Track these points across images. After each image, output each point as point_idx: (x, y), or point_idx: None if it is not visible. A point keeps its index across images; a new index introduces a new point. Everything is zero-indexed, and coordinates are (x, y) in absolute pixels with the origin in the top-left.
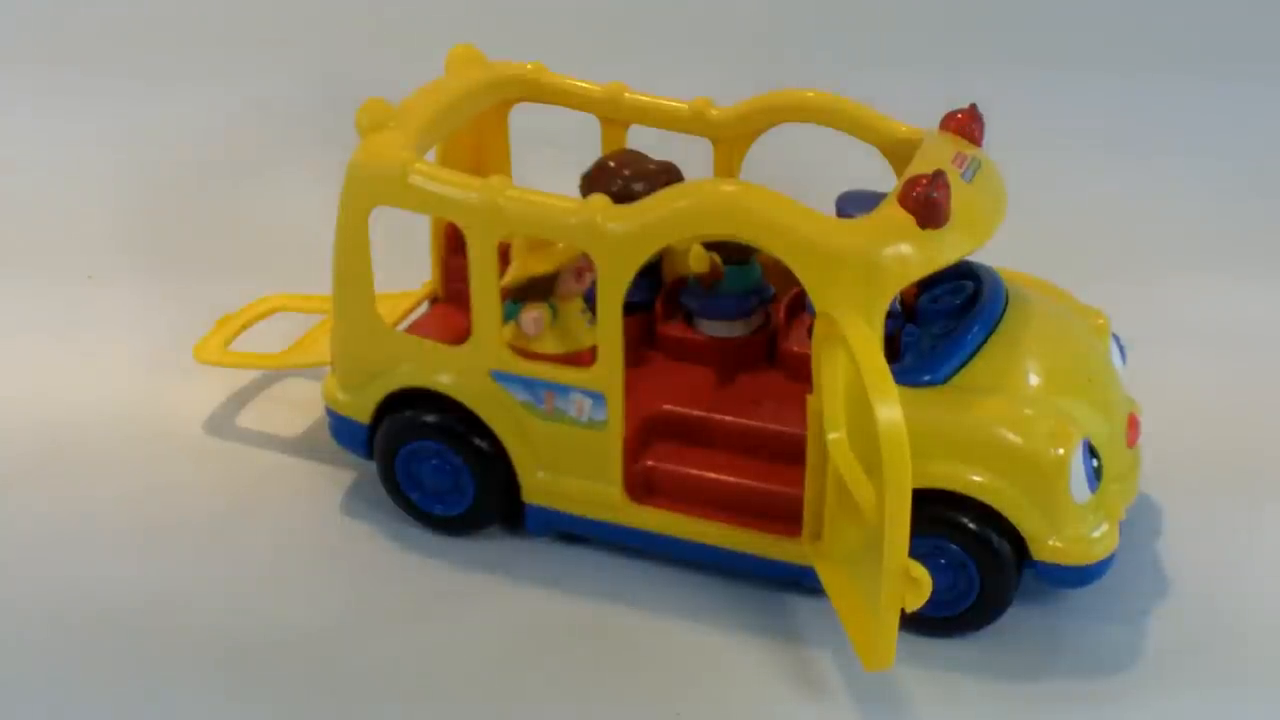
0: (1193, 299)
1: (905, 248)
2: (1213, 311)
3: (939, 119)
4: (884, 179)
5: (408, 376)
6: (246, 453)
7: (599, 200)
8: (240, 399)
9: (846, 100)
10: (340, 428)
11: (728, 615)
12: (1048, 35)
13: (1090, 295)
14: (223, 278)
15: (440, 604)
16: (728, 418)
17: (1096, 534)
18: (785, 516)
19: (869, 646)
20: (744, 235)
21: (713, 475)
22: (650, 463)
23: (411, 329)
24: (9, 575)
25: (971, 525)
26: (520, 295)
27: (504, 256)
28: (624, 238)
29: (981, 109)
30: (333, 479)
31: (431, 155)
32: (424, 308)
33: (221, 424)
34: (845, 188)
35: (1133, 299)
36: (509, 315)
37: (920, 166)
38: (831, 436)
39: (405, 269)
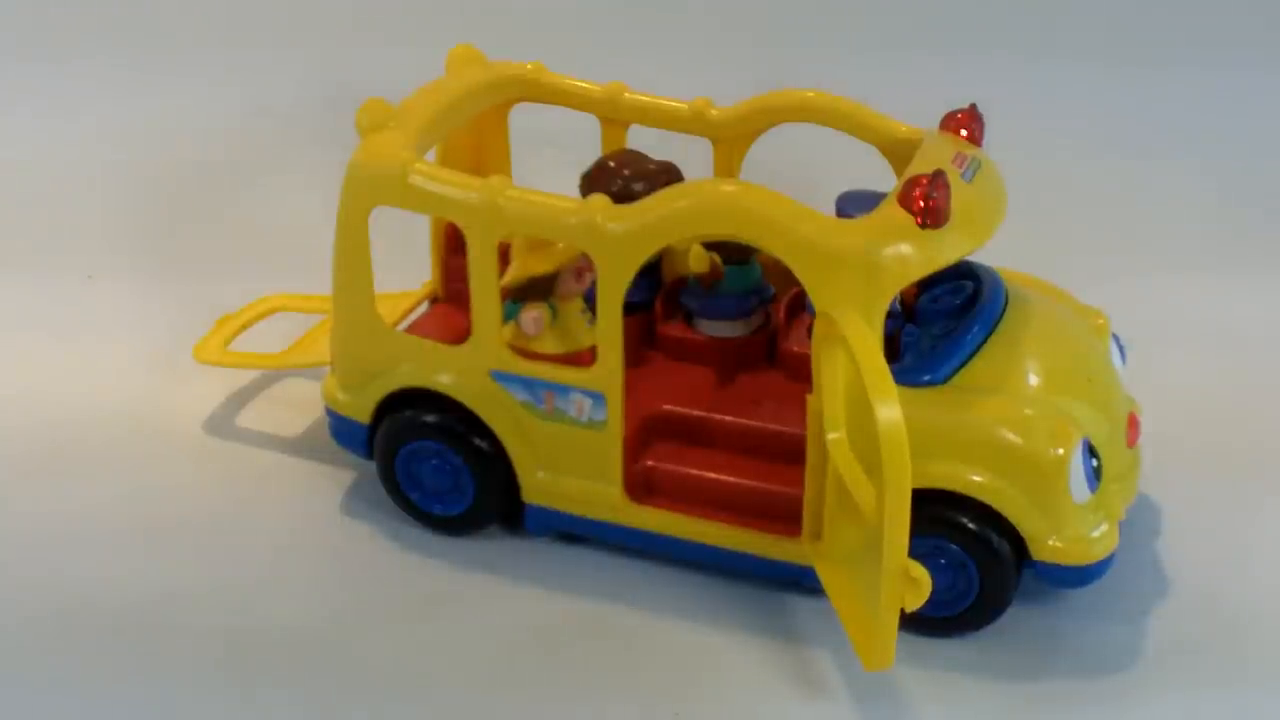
0: (1193, 299)
1: (905, 248)
2: (1213, 311)
3: (939, 119)
4: (884, 179)
5: (408, 376)
6: (246, 453)
7: (599, 200)
8: (240, 399)
9: (846, 100)
10: (340, 428)
11: (728, 615)
12: (1048, 35)
13: (1090, 295)
14: (223, 278)
15: (440, 604)
16: (728, 418)
17: (1096, 534)
18: (785, 516)
19: (869, 646)
20: (744, 235)
21: (713, 475)
22: (650, 463)
23: (411, 329)
24: (9, 575)
25: (971, 525)
26: (520, 295)
27: (504, 256)
28: (624, 238)
29: (981, 109)
30: (333, 479)
31: (431, 155)
32: (424, 308)
33: (221, 424)
34: (845, 188)
35: (1133, 299)
36: (509, 315)
37: (920, 166)
38: (831, 436)
39: (405, 269)
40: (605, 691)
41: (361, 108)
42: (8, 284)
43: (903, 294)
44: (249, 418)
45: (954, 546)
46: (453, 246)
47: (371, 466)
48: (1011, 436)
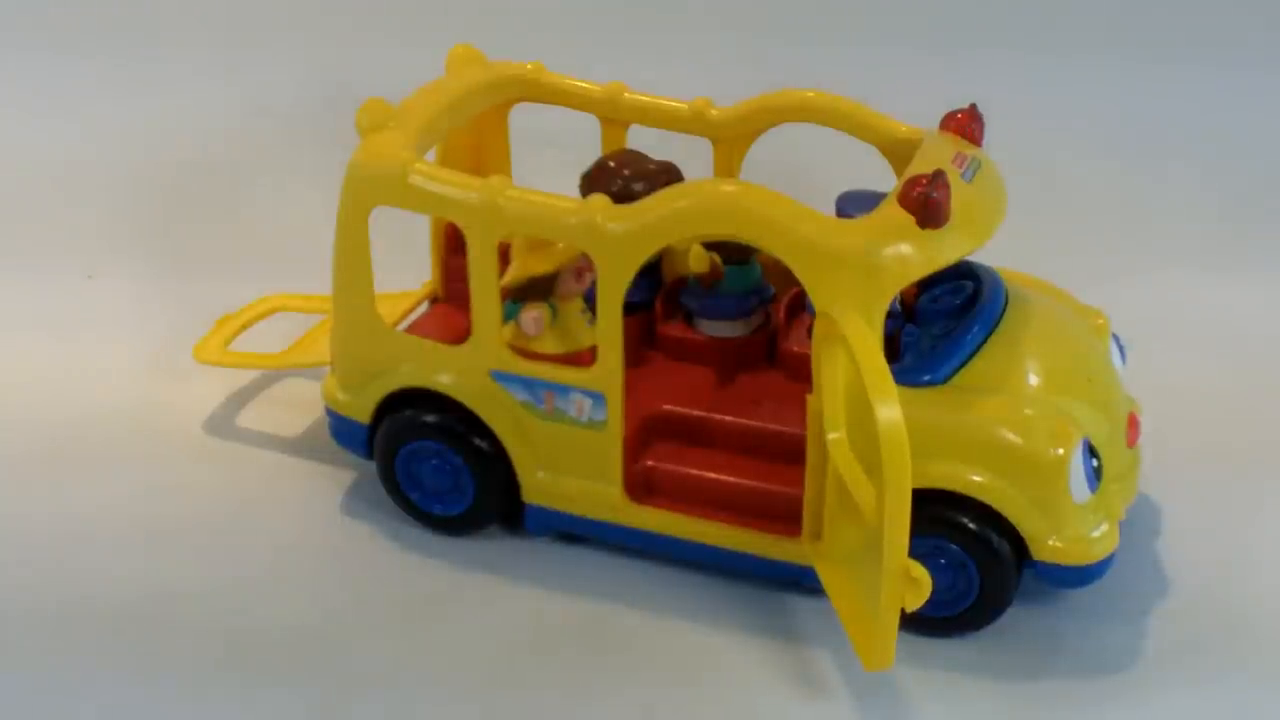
0: (1193, 298)
1: (905, 248)
2: (1213, 311)
3: (939, 119)
4: (884, 179)
5: (408, 376)
6: (246, 453)
7: (599, 200)
8: (240, 399)
9: (846, 100)
10: (340, 428)
11: (728, 615)
12: (1048, 35)
13: (1090, 295)
14: (223, 278)
15: (440, 604)
16: (728, 418)
17: (1096, 534)
18: (785, 516)
19: (869, 646)
20: (744, 235)
21: (713, 475)
22: (650, 463)
23: (411, 329)
24: (9, 575)
25: (971, 525)
26: (520, 295)
27: (504, 256)
28: (624, 238)
29: (982, 109)
30: (333, 479)
31: (432, 155)
32: (424, 308)
33: (221, 424)
34: (845, 188)
35: (1133, 299)
36: (509, 315)
37: (920, 166)
38: (831, 436)
39: (405, 269)
40: (605, 691)
41: (361, 108)
42: (8, 284)
43: (903, 294)
44: (249, 418)
45: (954, 546)
46: (453, 246)
47: (371, 466)
48: (1011, 436)
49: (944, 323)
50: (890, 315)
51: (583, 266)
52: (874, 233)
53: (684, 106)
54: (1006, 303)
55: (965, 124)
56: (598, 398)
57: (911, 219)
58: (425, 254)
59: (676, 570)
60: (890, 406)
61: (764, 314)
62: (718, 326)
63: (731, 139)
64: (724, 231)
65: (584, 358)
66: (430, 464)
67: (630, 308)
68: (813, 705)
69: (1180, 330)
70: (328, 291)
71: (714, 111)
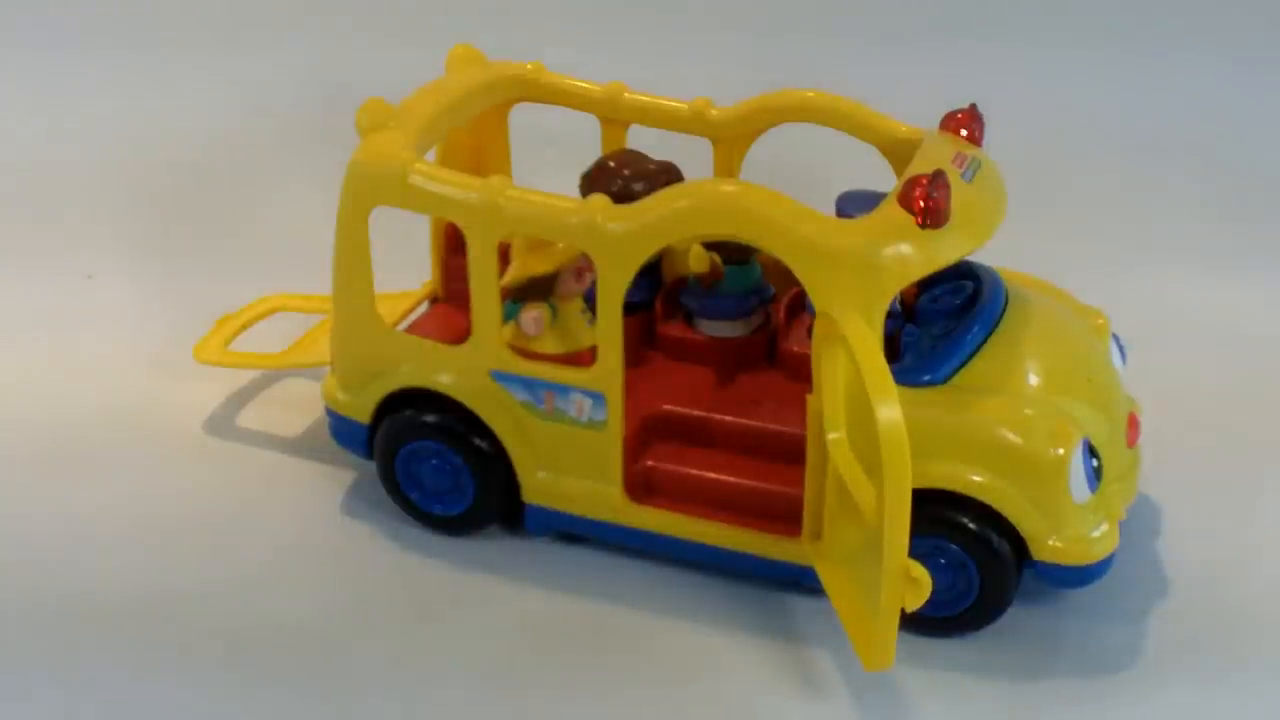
0: (1193, 298)
1: (905, 248)
2: (1213, 311)
3: (939, 119)
4: (884, 179)
5: (408, 376)
6: (246, 453)
7: (599, 200)
8: (240, 399)
9: (846, 100)
10: (340, 428)
11: (728, 615)
12: (1049, 35)
13: (1090, 295)
14: (223, 278)
15: (440, 604)
16: (728, 418)
17: (1096, 534)
18: (785, 516)
19: (869, 646)
20: (744, 235)
21: (713, 475)
22: (650, 463)
23: (411, 329)
24: (9, 575)
25: (971, 525)
26: (520, 295)
27: (504, 256)
28: (624, 238)
29: (982, 108)
30: (333, 479)
31: (431, 155)
32: (424, 308)
33: (221, 424)
34: (845, 188)
35: (1133, 299)
36: (509, 315)
37: (920, 166)
38: (831, 436)
39: (405, 269)
40: (605, 691)
41: (361, 108)
42: (8, 283)
43: (903, 294)
44: (249, 418)
45: (954, 546)
46: (453, 246)
47: (371, 466)
48: (1011, 436)
49: (944, 323)
50: (890, 315)
51: (583, 266)
52: (874, 233)
53: (684, 106)
54: (1006, 303)
55: (965, 124)
56: (598, 398)
57: (911, 219)
58: (425, 254)
59: (676, 570)
60: (890, 406)
61: (764, 314)
62: (718, 326)
63: (731, 139)
64: (724, 231)
65: (584, 358)
66: (430, 464)
67: (630, 308)
68: (813, 705)
69: (1180, 330)
70: (328, 291)
71: (714, 111)
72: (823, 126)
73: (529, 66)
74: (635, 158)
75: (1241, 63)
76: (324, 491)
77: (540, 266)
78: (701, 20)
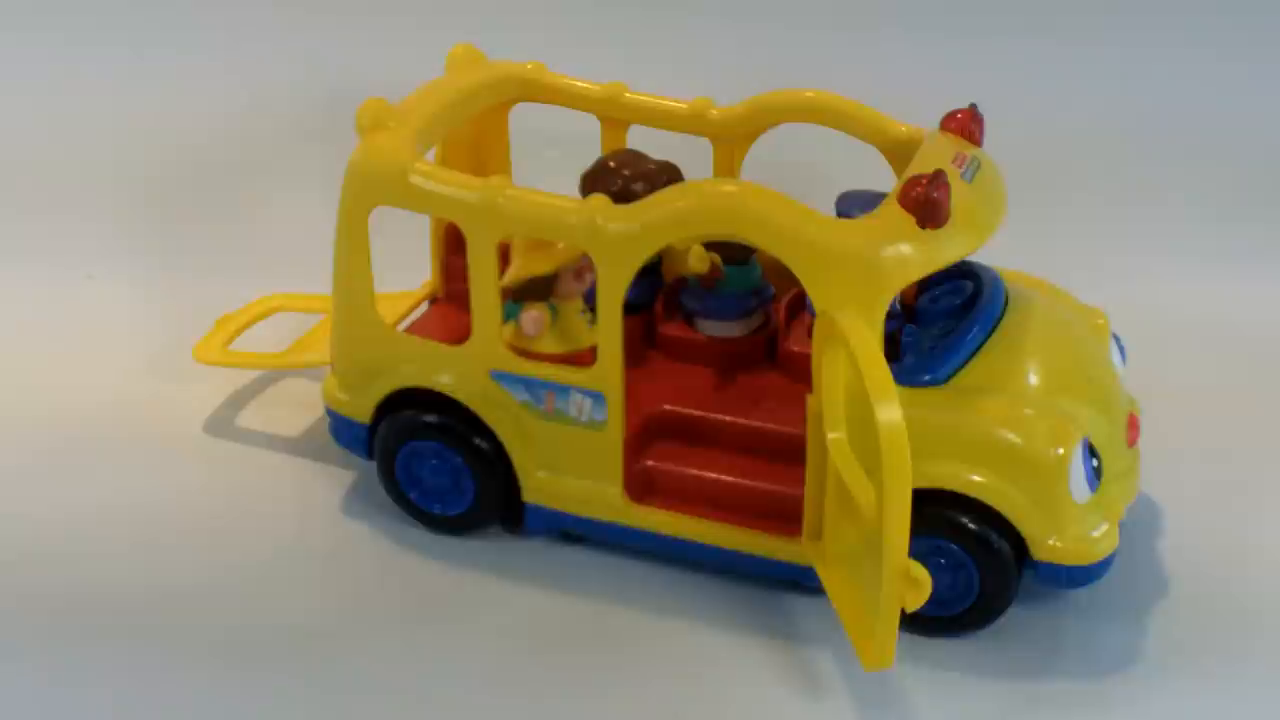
0: (1193, 299)
1: (905, 248)
2: (1213, 311)
3: (939, 119)
4: (884, 179)
5: (408, 376)
6: (246, 453)
7: (599, 200)
8: (240, 399)
9: (846, 100)
10: (340, 428)
11: (728, 615)
12: (1049, 34)
13: (1090, 295)
14: (223, 278)
15: (440, 604)
16: (728, 418)
17: (1096, 534)
18: (785, 516)
19: (869, 646)
20: (744, 235)
21: (713, 475)
22: (650, 463)
23: (411, 329)
24: (9, 575)
25: (971, 525)
26: (520, 295)
27: (504, 256)
28: (624, 238)
29: (982, 109)
30: (333, 479)
31: (431, 155)
32: (424, 308)
33: (221, 424)
34: (845, 188)
35: (1133, 299)
36: (509, 315)
37: (920, 166)
38: (831, 436)
39: (405, 269)
40: (605, 691)
41: (361, 108)
42: (7, 283)
43: (903, 294)
44: (249, 418)
45: (954, 546)
46: (453, 246)
47: (371, 466)
48: (1011, 436)
49: (944, 323)
50: (890, 315)
51: (583, 266)
52: (874, 233)
53: (684, 106)
54: (1006, 303)
55: (965, 124)
56: (598, 398)
57: (911, 219)
58: (425, 254)
59: (676, 570)
60: (890, 407)
61: (764, 314)
62: (718, 326)
63: (731, 139)
64: (724, 231)
65: (584, 358)
66: (430, 464)
67: (630, 308)
68: (813, 705)
69: (1180, 330)
70: (328, 291)
71: (714, 111)
72: (823, 126)
73: (529, 66)
74: (635, 158)
75: (1243, 62)
76: (324, 491)
77: (540, 266)
78: (701, 20)
